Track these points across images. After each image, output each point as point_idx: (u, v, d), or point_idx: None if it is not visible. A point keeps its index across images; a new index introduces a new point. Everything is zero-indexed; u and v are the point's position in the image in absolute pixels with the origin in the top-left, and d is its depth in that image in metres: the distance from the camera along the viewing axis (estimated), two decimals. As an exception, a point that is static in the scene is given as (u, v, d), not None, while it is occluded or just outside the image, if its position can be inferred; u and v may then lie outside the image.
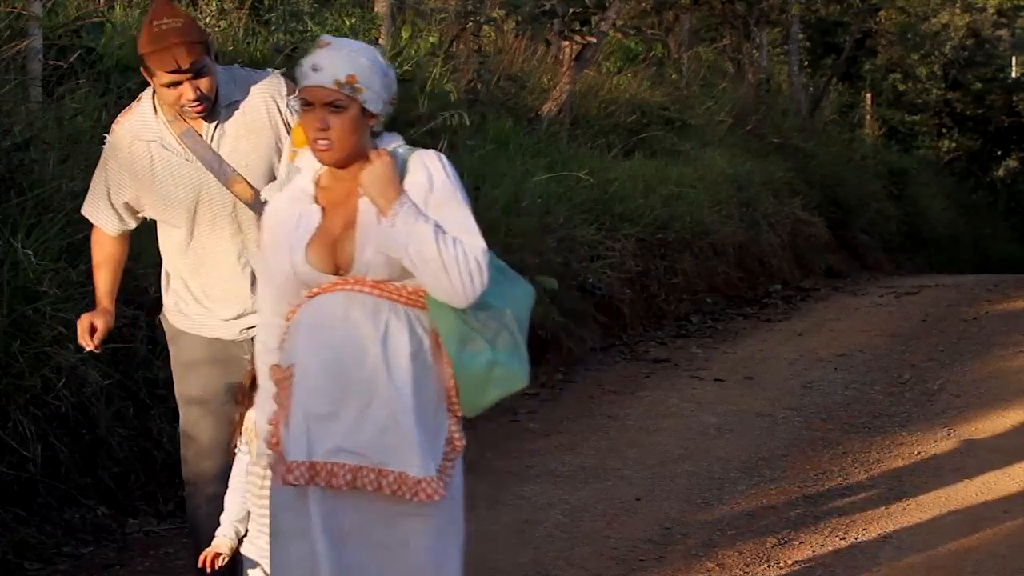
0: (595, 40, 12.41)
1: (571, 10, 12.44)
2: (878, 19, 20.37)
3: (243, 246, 3.93)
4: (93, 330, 3.94)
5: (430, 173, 3.16)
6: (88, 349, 3.94)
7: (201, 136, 3.91)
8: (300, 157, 3.28)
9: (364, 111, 3.13)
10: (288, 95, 3.91)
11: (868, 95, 23.15)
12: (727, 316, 11.26)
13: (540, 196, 9.31)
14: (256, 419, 3.38)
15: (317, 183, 3.24)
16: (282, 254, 3.21)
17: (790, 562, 5.05)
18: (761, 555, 5.13)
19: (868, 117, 23.13)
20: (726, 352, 9.57)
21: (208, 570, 3.51)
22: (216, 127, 3.90)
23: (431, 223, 3.09)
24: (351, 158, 3.16)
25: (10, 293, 5.19)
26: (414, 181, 3.15)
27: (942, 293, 13.05)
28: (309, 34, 8.95)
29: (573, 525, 5.50)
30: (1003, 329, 10.48)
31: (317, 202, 3.22)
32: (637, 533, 5.40)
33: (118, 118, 4.01)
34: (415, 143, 3.32)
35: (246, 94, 3.94)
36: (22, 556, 4.95)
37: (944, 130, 26.32)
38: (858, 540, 5.28)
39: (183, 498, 4.38)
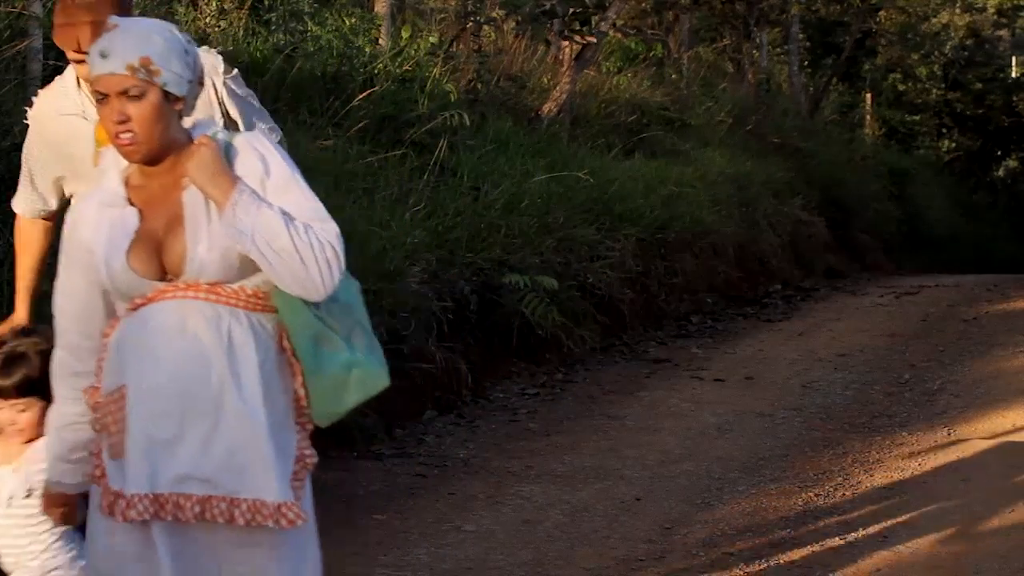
0: (595, 40, 12.40)
1: (571, 10, 12.44)
2: (878, 19, 20.37)
3: None
4: None
5: (263, 155, 2.82)
6: None
7: None
8: (104, 156, 2.93)
9: (167, 96, 2.78)
10: (225, 74, 3.77)
11: (868, 95, 23.15)
12: (727, 316, 11.25)
13: (540, 196, 9.31)
14: (46, 446, 3.00)
15: (127, 183, 2.88)
16: (92, 267, 2.85)
17: (790, 562, 5.04)
18: (761, 555, 5.13)
19: (868, 117, 23.12)
20: (726, 352, 9.56)
21: None
22: None
23: (276, 209, 2.77)
24: (161, 151, 2.81)
25: (10, 293, 5.18)
26: (247, 166, 2.81)
27: (942, 293, 13.04)
28: (309, 34, 8.96)
29: (573, 525, 5.50)
30: (1003, 329, 10.47)
31: (131, 203, 2.85)
32: (637, 533, 5.40)
33: (40, 93, 3.85)
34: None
35: None
36: (22, 556, 4.94)
37: (944, 130, 26.31)
38: (858, 540, 5.27)
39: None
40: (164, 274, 2.81)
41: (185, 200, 2.81)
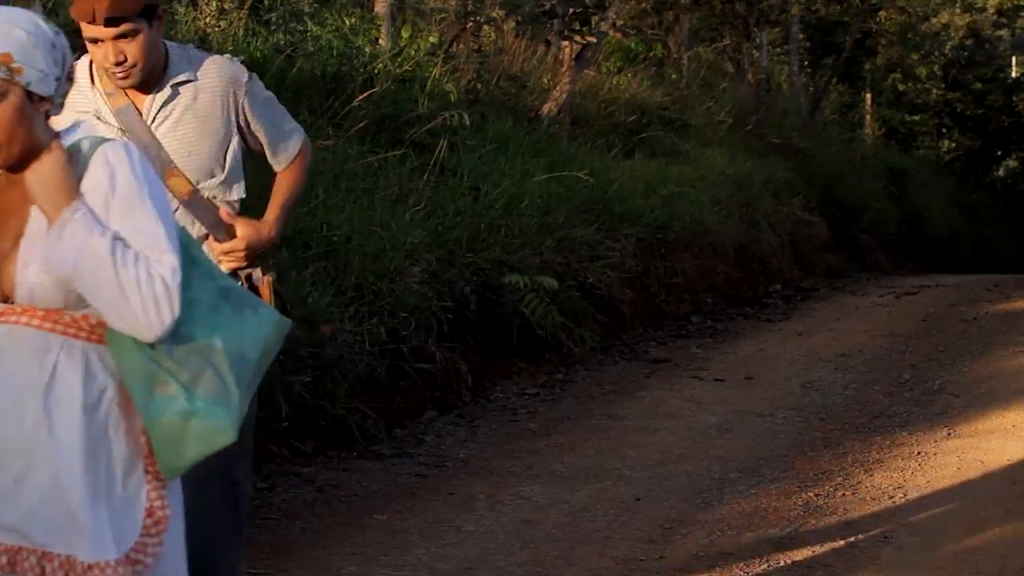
0: (595, 40, 12.41)
1: (571, 10, 12.45)
2: (878, 19, 20.40)
3: None
4: None
5: (113, 171, 2.50)
6: None
7: (140, 115, 3.51)
8: None
9: (31, 96, 2.48)
10: (248, 83, 3.61)
11: (868, 95, 23.18)
12: (727, 316, 11.25)
13: (540, 196, 9.31)
14: None
15: None
16: None
17: (790, 562, 5.04)
18: (761, 555, 5.13)
19: (868, 117, 23.15)
20: (726, 352, 9.56)
21: None
22: (159, 104, 3.52)
23: (108, 235, 2.44)
24: (23, 156, 2.50)
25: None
26: (93, 181, 2.49)
27: (942, 293, 13.05)
28: (309, 34, 8.96)
29: (573, 525, 5.50)
30: (1003, 329, 10.47)
31: None
32: (637, 533, 5.40)
33: None
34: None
35: (200, 76, 3.56)
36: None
37: (944, 130, 26.35)
38: (858, 540, 5.27)
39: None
40: (4, 295, 2.53)
41: (32, 215, 2.52)
